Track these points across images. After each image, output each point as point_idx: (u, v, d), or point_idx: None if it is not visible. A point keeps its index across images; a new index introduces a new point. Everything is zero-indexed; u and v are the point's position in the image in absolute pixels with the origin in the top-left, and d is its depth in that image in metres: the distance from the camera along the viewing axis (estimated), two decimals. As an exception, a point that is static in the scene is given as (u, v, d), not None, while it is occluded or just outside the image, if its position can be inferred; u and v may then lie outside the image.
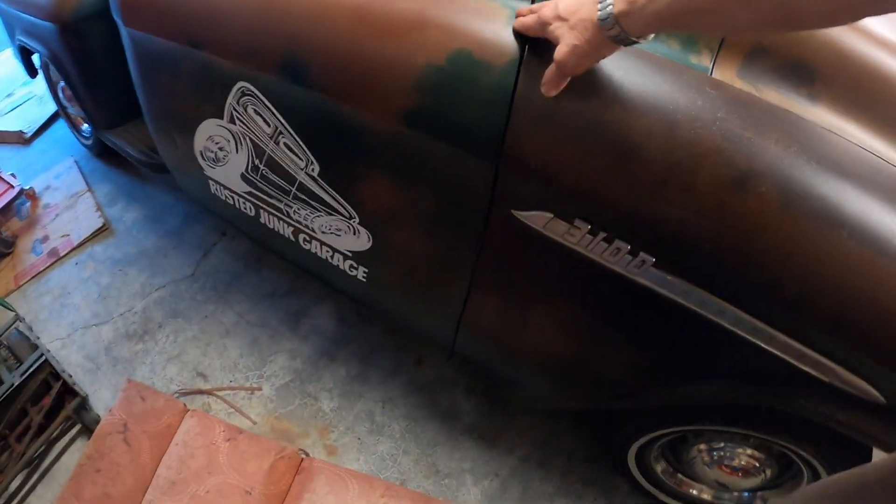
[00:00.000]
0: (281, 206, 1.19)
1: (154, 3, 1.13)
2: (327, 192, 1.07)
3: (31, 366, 1.44)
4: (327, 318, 1.65)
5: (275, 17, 0.96)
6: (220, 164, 1.24)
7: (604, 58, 0.71)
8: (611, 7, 0.63)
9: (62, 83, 1.91)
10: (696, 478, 1.20)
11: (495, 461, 1.38)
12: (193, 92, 1.17)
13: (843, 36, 0.82)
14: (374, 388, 1.50)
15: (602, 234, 0.80)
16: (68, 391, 1.45)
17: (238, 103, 1.08)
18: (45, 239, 1.96)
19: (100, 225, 1.94)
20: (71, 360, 1.61)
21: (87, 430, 1.44)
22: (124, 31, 1.24)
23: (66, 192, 2.09)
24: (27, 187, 2.11)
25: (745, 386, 0.89)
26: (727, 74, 0.80)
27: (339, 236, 1.14)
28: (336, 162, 1.03)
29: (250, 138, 1.12)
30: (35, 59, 2.01)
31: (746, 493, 1.18)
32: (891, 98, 0.82)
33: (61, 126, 2.35)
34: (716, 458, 1.12)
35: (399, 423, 1.44)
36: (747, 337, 0.80)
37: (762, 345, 0.80)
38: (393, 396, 1.49)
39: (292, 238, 1.25)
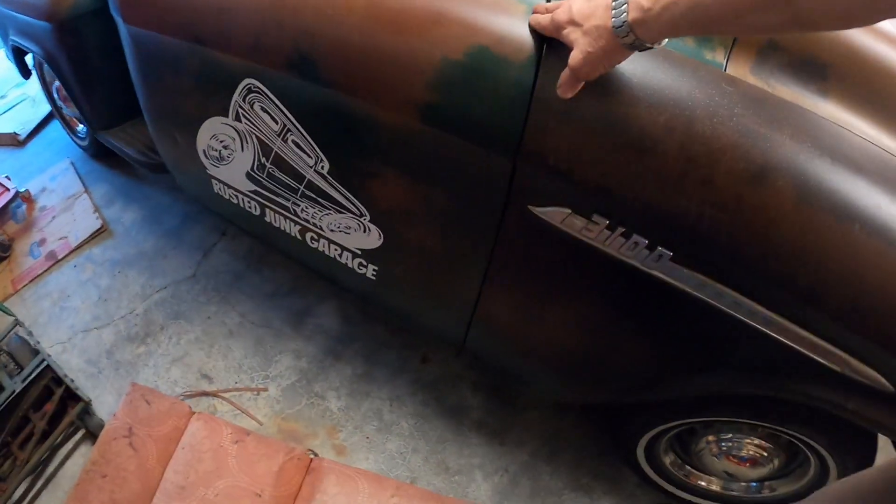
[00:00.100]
0: (288, 204, 1.18)
1: (156, -1, 1.12)
2: (337, 190, 1.07)
3: (32, 371, 1.42)
4: (331, 317, 1.64)
5: (284, 12, 0.94)
6: (225, 162, 1.23)
7: (617, 63, 0.71)
8: (625, 14, 0.63)
9: (57, 83, 1.88)
10: (704, 469, 1.21)
11: (504, 457, 1.39)
12: (197, 90, 1.16)
13: (854, 33, 0.84)
14: (381, 387, 1.50)
15: (620, 230, 0.81)
16: (71, 396, 1.43)
17: (244, 101, 1.07)
18: (43, 242, 1.93)
19: (98, 226, 1.91)
20: (72, 364, 1.58)
21: (91, 436, 1.42)
22: (123, 29, 1.22)
23: (63, 193, 2.06)
24: (23, 190, 2.07)
25: (758, 376, 0.91)
26: (741, 70, 0.81)
27: (349, 234, 1.14)
28: (347, 159, 1.02)
29: (257, 136, 1.11)
30: (28, 59, 1.97)
31: (755, 484, 1.20)
32: (901, 94, 0.84)
33: (56, 127, 2.31)
34: (724, 448, 1.13)
35: (407, 421, 1.44)
36: (761, 328, 0.81)
37: (776, 336, 0.81)
38: (400, 394, 1.49)
39: (299, 237, 1.24)
